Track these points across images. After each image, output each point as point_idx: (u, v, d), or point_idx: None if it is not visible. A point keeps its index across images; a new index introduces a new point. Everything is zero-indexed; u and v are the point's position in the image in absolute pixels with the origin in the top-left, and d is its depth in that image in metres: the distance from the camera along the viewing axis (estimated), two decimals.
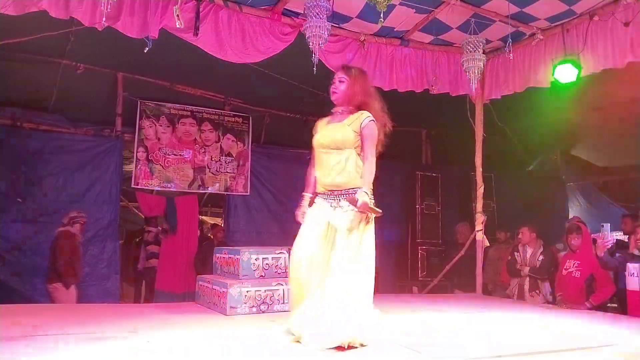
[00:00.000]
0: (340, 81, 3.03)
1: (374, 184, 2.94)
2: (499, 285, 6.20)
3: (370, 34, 5.40)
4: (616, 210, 8.19)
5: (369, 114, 2.95)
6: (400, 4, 4.86)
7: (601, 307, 4.77)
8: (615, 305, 5.20)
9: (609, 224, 4.45)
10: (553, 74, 4.99)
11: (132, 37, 4.27)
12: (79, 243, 5.68)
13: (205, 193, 7.62)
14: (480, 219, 5.89)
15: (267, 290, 4.06)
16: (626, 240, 5.64)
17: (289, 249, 3.14)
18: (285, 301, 4.00)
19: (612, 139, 7.18)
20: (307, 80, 5.82)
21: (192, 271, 6.98)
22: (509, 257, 5.64)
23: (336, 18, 4.98)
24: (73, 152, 6.33)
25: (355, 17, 5.10)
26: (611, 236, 4.48)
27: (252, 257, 4.15)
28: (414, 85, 5.64)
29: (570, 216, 8.16)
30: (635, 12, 4.44)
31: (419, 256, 7.76)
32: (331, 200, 2.93)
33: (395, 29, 5.40)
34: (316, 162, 3.06)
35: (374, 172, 2.88)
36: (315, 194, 3.02)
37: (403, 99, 6.00)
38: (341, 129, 2.94)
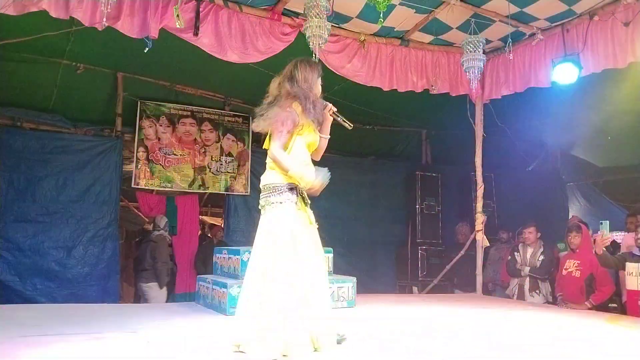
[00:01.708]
0: None
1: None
2: (499, 285, 6.20)
3: (370, 34, 5.40)
4: (616, 210, 8.19)
5: None
6: (400, 4, 4.86)
7: (601, 307, 4.77)
8: (615, 305, 5.19)
9: (608, 221, 4.45)
10: (553, 74, 4.99)
11: (132, 37, 4.27)
12: (170, 247, 6.30)
13: (206, 193, 7.62)
14: (480, 219, 5.89)
15: None
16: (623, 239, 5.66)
17: None
18: None
19: (612, 139, 7.18)
20: None
21: (192, 271, 6.98)
22: (509, 257, 5.64)
23: (336, 18, 4.98)
24: (73, 152, 6.33)
25: (355, 17, 5.10)
26: (610, 234, 4.47)
27: None
28: (414, 85, 5.64)
29: (570, 216, 8.16)
30: (635, 12, 4.44)
31: (419, 256, 7.75)
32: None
33: (395, 29, 5.40)
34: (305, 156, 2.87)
35: None
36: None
37: (403, 99, 6.01)
38: None
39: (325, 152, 3.04)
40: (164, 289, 6.17)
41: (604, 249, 4.39)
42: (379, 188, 8.17)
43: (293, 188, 2.69)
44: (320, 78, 2.93)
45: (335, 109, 2.89)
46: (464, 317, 4.05)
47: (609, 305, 5.01)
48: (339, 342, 2.77)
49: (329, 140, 3.02)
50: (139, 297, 6.54)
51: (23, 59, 5.62)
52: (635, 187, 7.48)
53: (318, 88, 2.92)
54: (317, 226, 2.86)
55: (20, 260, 5.87)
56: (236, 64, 4.88)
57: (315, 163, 2.94)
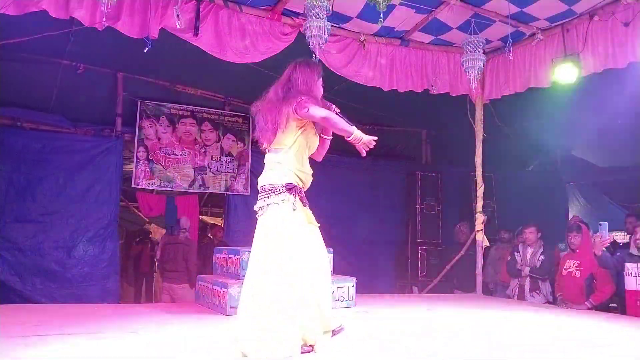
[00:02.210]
0: None
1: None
2: (499, 285, 6.20)
3: (370, 34, 5.40)
4: (616, 210, 8.19)
5: None
6: (400, 4, 4.86)
7: (601, 307, 4.77)
8: (616, 305, 5.19)
9: (606, 223, 4.45)
10: (553, 74, 4.99)
11: (132, 37, 4.27)
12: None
13: (206, 193, 7.62)
14: (480, 219, 5.89)
15: None
16: (626, 240, 5.65)
17: None
18: None
19: (612, 139, 7.18)
20: None
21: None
22: (509, 257, 5.64)
23: (336, 18, 4.97)
24: (73, 152, 6.33)
25: (355, 17, 5.10)
26: (609, 235, 4.47)
27: None
28: (414, 85, 5.64)
29: (571, 216, 8.16)
30: (635, 12, 4.44)
31: (419, 256, 7.76)
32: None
33: (395, 29, 5.40)
34: (304, 156, 2.82)
35: None
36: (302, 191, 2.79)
37: (403, 99, 6.01)
38: None
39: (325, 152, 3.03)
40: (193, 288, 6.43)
41: (604, 249, 4.39)
42: (379, 188, 8.17)
43: (291, 188, 2.68)
44: (320, 78, 2.91)
45: (338, 109, 2.89)
46: (464, 317, 4.05)
47: (609, 305, 5.01)
48: (336, 333, 2.78)
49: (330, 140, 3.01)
50: (154, 296, 6.64)
51: (23, 59, 5.62)
52: (635, 187, 7.46)
53: (318, 89, 2.89)
54: (319, 225, 2.86)
55: (20, 260, 5.87)
56: (236, 64, 4.88)
57: (317, 164, 2.93)
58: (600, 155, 8.21)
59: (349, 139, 2.70)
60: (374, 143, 2.71)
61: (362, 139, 2.68)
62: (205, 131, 7.17)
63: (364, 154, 2.77)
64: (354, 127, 2.71)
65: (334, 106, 2.88)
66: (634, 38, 4.44)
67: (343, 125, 2.72)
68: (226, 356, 2.55)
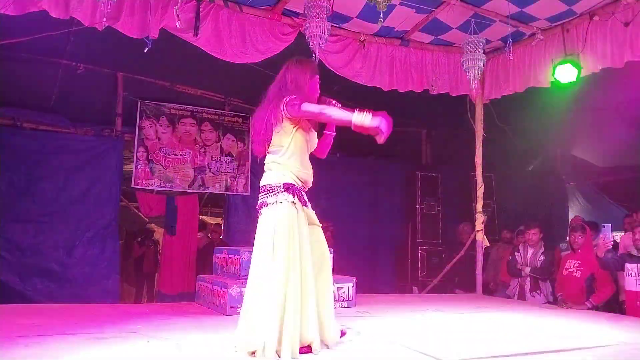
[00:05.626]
0: None
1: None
2: (500, 284, 6.20)
3: (370, 34, 5.40)
4: (616, 210, 8.19)
5: None
6: (400, 4, 4.86)
7: (601, 307, 4.77)
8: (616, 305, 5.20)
9: (610, 225, 4.45)
10: (553, 74, 5.00)
11: (132, 37, 4.27)
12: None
13: (206, 193, 7.62)
14: (480, 219, 5.89)
15: None
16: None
17: None
18: None
19: (612, 139, 7.18)
20: None
21: (192, 271, 6.98)
22: (509, 257, 5.63)
23: (336, 18, 4.98)
24: (73, 152, 6.33)
25: (355, 17, 5.10)
26: (612, 237, 4.48)
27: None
28: (413, 85, 5.64)
29: (571, 216, 8.17)
30: (635, 12, 4.44)
31: (419, 256, 7.76)
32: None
33: (395, 29, 5.40)
34: (304, 155, 2.79)
35: None
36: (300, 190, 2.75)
37: (403, 99, 6.01)
38: None
39: None
40: None
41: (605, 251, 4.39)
42: (379, 188, 8.18)
43: (289, 188, 2.66)
44: (316, 76, 2.85)
45: (339, 104, 2.85)
46: (464, 317, 4.05)
47: (610, 305, 5.01)
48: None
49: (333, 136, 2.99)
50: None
51: (23, 59, 5.62)
52: (635, 187, 7.47)
53: (312, 88, 2.82)
54: (322, 225, 2.85)
55: (20, 260, 5.87)
56: (236, 64, 4.88)
57: (317, 164, 2.92)
58: (600, 155, 8.21)
59: (353, 126, 2.54)
60: (385, 123, 2.49)
61: (364, 123, 2.49)
62: (205, 131, 7.17)
63: (382, 140, 2.53)
64: (354, 113, 2.53)
65: (334, 101, 2.85)
66: (634, 38, 4.44)
67: (340, 115, 2.60)
68: (226, 356, 2.55)
